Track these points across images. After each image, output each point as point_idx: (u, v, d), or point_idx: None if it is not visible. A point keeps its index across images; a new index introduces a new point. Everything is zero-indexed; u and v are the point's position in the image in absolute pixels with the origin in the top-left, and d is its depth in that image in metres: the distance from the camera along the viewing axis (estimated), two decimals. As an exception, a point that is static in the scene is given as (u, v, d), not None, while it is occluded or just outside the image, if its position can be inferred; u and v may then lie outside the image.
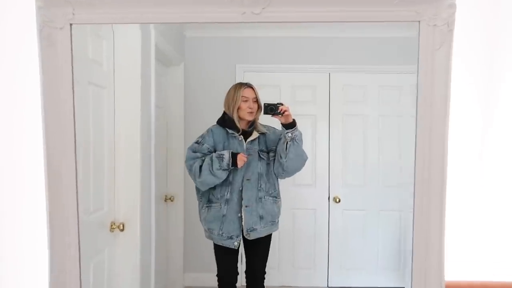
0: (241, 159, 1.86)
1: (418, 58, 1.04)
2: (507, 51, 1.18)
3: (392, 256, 2.68)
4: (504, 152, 1.25)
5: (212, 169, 1.86)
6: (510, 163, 1.23)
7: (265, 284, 2.08)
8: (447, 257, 1.14)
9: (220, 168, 1.85)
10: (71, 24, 1.05)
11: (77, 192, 1.09)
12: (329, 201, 2.75)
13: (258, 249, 2.02)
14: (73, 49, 1.07)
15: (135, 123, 1.99)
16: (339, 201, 2.73)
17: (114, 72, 1.91)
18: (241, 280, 2.10)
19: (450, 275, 1.13)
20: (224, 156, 1.85)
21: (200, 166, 1.89)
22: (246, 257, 2.06)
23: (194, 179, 1.93)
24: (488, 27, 1.15)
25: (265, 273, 2.07)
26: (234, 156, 1.86)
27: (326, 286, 2.71)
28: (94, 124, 1.74)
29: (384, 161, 2.75)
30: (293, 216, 2.75)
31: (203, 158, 1.91)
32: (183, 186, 2.70)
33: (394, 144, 2.74)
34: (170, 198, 2.62)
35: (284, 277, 2.77)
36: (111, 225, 1.86)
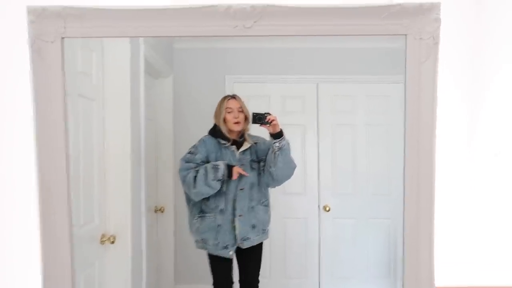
0: (236, 172, 1.89)
1: (405, 70, 1.07)
2: (490, 60, 1.22)
3: (383, 264, 2.69)
4: (491, 158, 1.28)
5: (207, 180, 1.88)
6: (498, 170, 1.26)
7: None
8: (438, 263, 1.16)
9: (215, 179, 1.87)
10: (62, 38, 1.05)
11: (69, 206, 1.09)
12: (319, 210, 2.76)
13: (251, 258, 2.06)
14: (64, 62, 1.07)
15: (125, 135, 1.99)
16: (329, 209, 2.75)
17: (103, 84, 1.91)
18: None
19: (440, 281, 1.15)
20: (219, 167, 1.88)
21: (195, 177, 1.90)
22: (239, 266, 2.07)
23: (189, 190, 1.94)
24: (472, 38, 1.19)
25: (258, 281, 2.09)
26: (229, 167, 1.89)
27: (318, 295, 2.71)
28: (84, 136, 1.73)
29: (373, 169, 2.78)
30: (284, 225, 2.75)
31: (197, 168, 1.92)
32: (173, 197, 2.68)
33: (383, 153, 2.77)
34: (160, 209, 2.60)
35: (275, 287, 2.76)
36: (102, 238, 1.84)
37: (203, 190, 1.90)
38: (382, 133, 2.77)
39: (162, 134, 2.74)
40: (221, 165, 1.88)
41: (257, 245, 2.03)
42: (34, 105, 1.06)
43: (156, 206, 2.59)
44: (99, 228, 1.84)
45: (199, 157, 1.95)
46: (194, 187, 1.90)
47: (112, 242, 1.86)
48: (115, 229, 1.91)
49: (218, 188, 1.89)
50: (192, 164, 1.94)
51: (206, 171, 1.89)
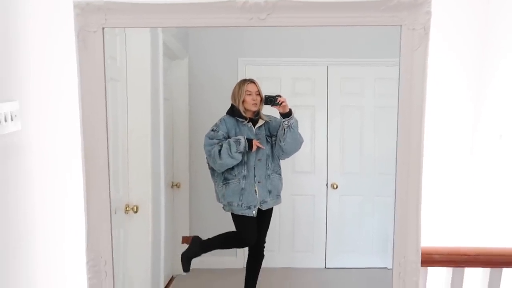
0: (255, 144, 2.26)
1: (399, 57, 1.25)
2: (497, 44, 1.38)
3: (386, 239, 2.87)
4: (496, 140, 1.45)
5: (231, 152, 2.23)
6: (497, 155, 1.43)
7: (265, 266, 2.44)
8: (424, 227, 1.36)
9: (237, 151, 2.22)
10: (103, 28, 1.25)
11: (109, 175, 1.31)
12: (327, 187, 2.94)
13: (264, 219, 2.41)
14: (105, 49, 1.28)
15: (146, 114, 2.20)
16: (337, 187, 2.92)
17: (126, 66, 2.11)
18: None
19: (427, 242, 1.35)
20: (240, 140, 2.23)
21: (219, 150, 2.25)
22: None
23: (214, 162, 2.27)
24: (478, 25, 1.37)
25: (265, 242, 2.46)
26: (249, 141, 2.24)
27: (324, 267, 2.92)
28: (111, 115, 1.94)
29: (380, 150, 2.93)
30: (293, 201, 2.94)
31: (220, 143, 2.25)
32: (188, 174, 2.91)
33: (390, 134, 2.86)
34: (176, 185, 2.82)
35: (284, 259, 2.97)
36: (126, 207, 2.08)
37: (228, 161, 2.25)
38: (389, 115, 2.85)
39: (178, 113, 2.93)
40: (242, 139, 2.24)
41: (271, 208, 2.39)
42: (80, 87, 1.27)
43: (172, 182, 2.81)
44: (123, 199, 2.08)
45: (221, 133, 2.28)
46: (220, 158, 2.25)
47: (135, 212, 2.09)
48: (138, 200, 2.14)
49: (240, 159, 2.25)
50: (215, 140, 2.27)
51: (229, 144, 2.24)
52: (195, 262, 3.01)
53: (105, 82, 1.28)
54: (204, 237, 2.79)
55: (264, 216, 2.40)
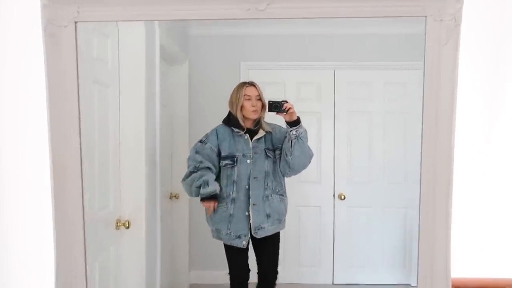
0: (209, 208, 1.94)
1: (424, 53, 1.03)
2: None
3: (397, 253, 2.67)
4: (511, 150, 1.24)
5: (193, 186, 1.95)
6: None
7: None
8: (454, 254, 1.13)
9: (197, 191, 1.93)
10: (75, 22, 1.05)
11: (82, 191, 1.09)
12: (334, 198, 2.74)
13: (267, 248, 2.02)
14: (78, 47, 1.07)
15: (140, 121, 1.99)
16: (344, 198, 2.72)
17: (119, 70, 1.92)
18: (253, 277, 2.09)
19: (456, 272, 1.12)
20: (208, 187, 1.90)
21: (190, 172, 1.96)
22: (256, 257, 2.05)
23: (182, 178, 2.01)
24: (493, 21, 1.14)
25: (277, 272, 2.08)
26: (212, 196, 1.91)
27: (332, 283, 2.71)
28: (99, 122, 1.74)
29: (390, 158, 2.74)
30: (298, 213, 2.74)
31: (198, 166, 1.95)
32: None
33: (400, 141, 2.72)
34: (175, 196, 2.62)
35: (289, 275, 2.75)
36: (117, 223, 1.86)
37: (186, 188, 2.00)
38: (399, 121, 2.72)
39: (178, 121, 2.74)
40: (211, 188, 1.90)
41: (273, 235, 2.00)
42: (48, 89, 1.06)
43: (171, 193, 2.61)
44: (114, 213, 1.87)
45: (208, 145, 1.96)
46: (184, 180, 1.99)
47: (127, 227, 1.88)
48: (130, 215, 1.93)
49: (198, 196, 1.95)
50: (199, 156, 1.96)
51: (199, 178, 1.92)
52: (196, 277, 2.81)
53: (78, 84, 1.07)
54: (205, 250, 2.59)
55: (266, 244, 2.01)
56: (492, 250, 1.18)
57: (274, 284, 2.06)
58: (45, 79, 1.05)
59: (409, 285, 2.55)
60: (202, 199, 1.94)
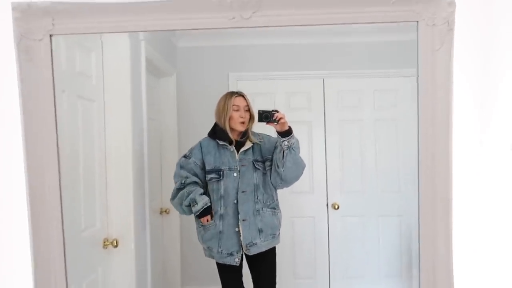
0: (205, 219, 1.84)
1: (417, 59, 0.98)
2: (504, 47, 1.12)
3: (394, 262, 2.61)
4: (506, 152, 1.18)
5: (182, 205, 1.85)
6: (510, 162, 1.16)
7: None
8: (456, 265, 1.07)
9: (189, 209, 1.85)
10: (51, 36, 0.98)
11: (61, 210, 1.01)
12: (327, 208, 2.68)
13: (263, 265, 1.90)
14: (59, 61, 1.00)
15: (126, 136, 1.92)
16: (338, 207, 2.67)
17: (103, 84, 1.85)
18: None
19: (459, 283, 1.06)
20: (197, 204, 1.81)
21: (177, 189, 1.87)
22: (252, 274, 1.94)
23: (171, 198, 1.92)
24: (481, 23, 1.09)
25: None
26: (206, 210, 1.82)
27: (328, 295, 2.64)
28: (84, 138, 1.67)
29: (382, 166, 2.70)
30: (292, 224, 2.67)
31: (184, 182, 1.87)
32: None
33: (392, 149, 2.68)
34: (165, 211, 2.54)
35: (284, 288, 2.68)
36: (104, 242, 1.78)
37: (177, 208, 1.90)
38: (390, 129, 2.69)
39: (167, 134, 2.67)
40: (200, 204, 1.80)
41: (268, 251, 1.88)
42: (22, 106, 0.98)
43: (161, 208, 2.52)
44: (101, 232, 1.78)
45: (192, 160, 1.87)
46: (172, 199, 1.89)
47: (115, 246, 1.79)
48: (118, 233, 1.84)
49: (190, 214, 1.87)
50: (184, 172, 1.87)
51: (186, 195, 1.84)
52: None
53: (54, 100, 1.00)
54: (198, 265, 2.50)
55: (261, 261, 1.89)
56: (496, 260, 1.12)
57: None
58: (19, 95, 0.97)
59: None
60: (197, 216, 1.85)
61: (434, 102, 0.96)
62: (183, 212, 1.88)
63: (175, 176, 1.91)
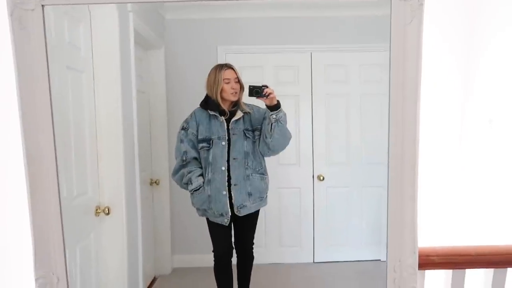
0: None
1: (390, 33, 1.06)
2: (486, 24, 1.20)
3: (375, 230, 2.74)
4: (486, 125, 1.28)
5: (182, 181, 2.05)
6: (492, 137, 1.26)
7: (253, 263, 2.14)
8: (421, 224, 1.18)
9: (186, 186, 2.04)
10: (42, 6, 1.03)
11: (57, 177, 1.09)
12: (313, 179, 2.79)
13: (247, 224, 2.11)
14: (49, 32, 1.06)
15: (116, 107, 1.98)
16: (323, 179, 2.77)
17: (92, 56, 1.89)
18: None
19: (424, 242, 1.17)
20: (192, 184, 2.00)
21: (180, 166, 2.03)
22: (234, 230, 2.12)
23: (172, 172, 2.10)
24: (466, 7, 1.17)
25: (253, 243, 2.17)
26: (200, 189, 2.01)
27: (312, 262, 2.78)
28: (74, 109, 1.73)
29: (367, 139, 2.79)
30: (278, 195, 2.78)
31: (185, 160, 2.02)
32: (168, 169, 2.71)
33: (376, 122, 2.77)
34: (155, 182, 2.63)
35: (271, 255, 2.81)
36: (96, 209, 1.87)
37: (177, 182, 2.08)
38: (375, 102, 2.77)
39: (156, 106, 2.72)
40: (195, 184, 1.99)
41: (254, 212, 2.07)
42: (17, 75, 1.05)
43: (151, 179, 2.61)
44: (93, 200, 1.87)
45: (190, 131, 2.01)
46: (173, 175, 2.07)
47: (107, 214, 1.88)
48: (110, 201, 1.93)
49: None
50: (183, 146, 2.01)
51: (184, 176, 2.02)
52: (179, 261, 2.84)
53: (48, 69, 1.06)
54: (187, 234, 2.62)
55: (245, 221, 2.08)
56: (457, 220, 1.23)
57: (251, 252, 2.17)
58: (14, 64, 1.04)
59: (379, 260, 2.64)
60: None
61: (405, 72, 1.05)
62: (182, 187, 2.07)
63: (176, 150, 2.06)
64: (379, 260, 2.67)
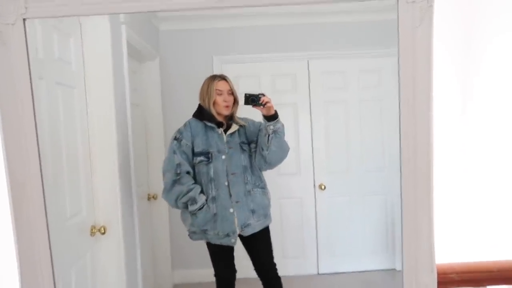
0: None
1: (398, 37, 0.98)
2: (485, 24, 1.13)
3: (379, 239, 2.66)
4: (486, 126, 1.20)
5: (178, 200, 1.82)
6: (494, 138, 1.18)
7: (255, 276, 2.01)
8: (438, 239, 1.09)
9: (185, 207, 1.82)
10: (24, 19, 0.94)
11: (44, 199, 1.00)
12: (314, 188, 2.71)
13: (258, 245, 1.92)
14: (35, 47, 0.97)
15: (109, 123, 1.89)
16: (325, 188, 2.69)
17: (84, 70, 1.81)
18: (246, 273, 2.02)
19: (441, 258, 1.09)
20: (196, 204, 1.80)
21: (173, 181, 1.81)
22: (249, 255, 1.95)
23: (164, 191, 1.87)
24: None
25: (275, 264, 1.98)
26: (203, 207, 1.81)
27: (317, 273, 2.68)
28: (66, 125, 1.64)
29: (367, 146, 2.72)
30: (280, 206, 2.69)
31: (179, 172, 1.81)
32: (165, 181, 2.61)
33: (377, 129, 2.70)
34: (153, 197, 2.53)
35: (274, 268, 2.72)
36: (92, 229, 1.77)
37: (171, 203, 1.85)
38: (374, 108, 2.70)
39: (152, 119, 2.64)
40: (199, 203, 1.79)
41: (261, 230, 1.89)
42: (-2, 94, 0.96)
43: (148, 194, 2.51)
44: (88, 219, 1.77)
45: (184, 142, 1.84)
46: (167, 192, 1.84)
47: (103, 233, 1.78)
48: (105, 220, 1.83)
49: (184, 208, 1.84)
50: (177, 158, 1.82)
51: (185, 193, 1.80)
52: (180, 277, 2.73)
53: (31, 87, 0.97)
54: (187, 249, 2.51)
55: (257, 240, 1.90)
56: (476, 234, 1.14)
57: (276, 274, 1.97)
58: (-6, 83, 0.95)
59: (394, 269, 2.55)
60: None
61: (415, 79, 0.96)
62: (175, 206, 1.85)
63: (168, 162, 1.85)
64: (385, 269, 2.59)
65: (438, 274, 1.03)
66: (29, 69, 0.96)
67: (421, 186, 1.05)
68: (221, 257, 1.92)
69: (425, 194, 1.03)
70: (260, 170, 1.91)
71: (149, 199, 2.51)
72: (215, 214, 1.82)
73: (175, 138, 1.86)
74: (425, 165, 1.00)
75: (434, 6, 0.94)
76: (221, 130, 1.85)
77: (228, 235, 1.83)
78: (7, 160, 0.98)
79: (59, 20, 1.51)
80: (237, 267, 2.00)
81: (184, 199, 1.80)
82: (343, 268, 2.64)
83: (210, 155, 1.82)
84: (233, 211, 1.82)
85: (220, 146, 1.83)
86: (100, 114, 1.84)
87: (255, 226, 1.86)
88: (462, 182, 1.11)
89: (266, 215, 1.91)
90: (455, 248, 1.13)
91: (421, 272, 1.03)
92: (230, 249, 1.89)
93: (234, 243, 1.85)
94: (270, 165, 1.87)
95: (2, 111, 0.96)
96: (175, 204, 1.84)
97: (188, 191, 1.80)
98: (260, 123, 1.83)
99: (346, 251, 2.66)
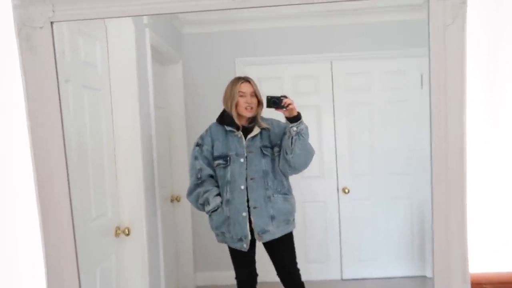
0: None
1: (428, 36, 0.94)
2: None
3: (405, 244, 2.58)
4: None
5: (197, 202, 1.88)
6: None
7: (277, 280, 1.97)
8: (471, 248, 1.04)
9: (202, 207, 1.87)
10: (51, 23, 0.95)
11: (70, 200, 1.01)
12: (338, 192, 2.66)
13: (281, 250, 1.88)
14: (62, 51, 0.98)
15: (134, 125, 1.90)
16: (348, 191, 2.64)
17: (109, 73, 1.83)
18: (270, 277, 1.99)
19: (475, 267, 1.04)
20: (209, 205, 1.82)
21: (196, 185, 1.87)
22: (272, 259, 1.92)
23: (188, 193, 1.94)
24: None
25: (298, 270, 1.95)
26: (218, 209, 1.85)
27: (340, 279, 2.63)
28: (91, 128, 1.66)
29: (391, 148, 2.65)
30: (303, 209, 2.65)
31: (200, 178, 1.87)
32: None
33: (401, 130, 2.64)
34: (176, 198, 2.54)
35: (296, 272, 2.68)
36: (116, 230, 1.78)
37: (192, 203, 1.93)
38: (398, 110, 2.63)
39: (175, 121, 2.66)
40: (212, 204, 1.82)
41: (284, 236, 1.85)
42: (26, 96, 0.97)
43: (172, 196, 2.53)
44: (112, 221, 1.78)
45: (205, 148, 1.86)
46: (189, 195, 1.92)
47: (127, 234, 1.80)
48: (130, 221, 1.84)
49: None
50: (198, 163, 1.87)
51: (203, 194, 1.85)
52: (202, 279, 2.73)
53: (58, 90, 0.98)
54: (210, 251, 2.51)
55: (279, 245, 1.85)
56: (508, 237, 1.09)
57: (299, 279, 1.94)
58: (23, 85, 0.96)
59: (425, 276, 2.47)
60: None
61: (447, 81, 0.92)
62: (197, 208, 1.90)
63: (191, 167, 1.91)
64: (414, 276, 2.52)
65: (472, 284, 0.98)
66: (56, 72, 0.97)
67: (454, 190, 1.00)
68: (239, 261, 1.91)
69: (458, 199, 0.98)
70: (285, 175, 1.86)
71: (172, 201, 2.52)
72: (228, 217, 1.82)
73: (197, 145, 1.89)
74: (458, 167, 0.96)
75: (467, 3, 0.89)
76: (240, 133, 1.82)
77: (240, 239, 1.81)
78: (34, 163, 0.99)
79: (85, 23, 1.53)
80: (260, 271, 1.98)
81: (200, 200, 1.85)
82: (368, 274, 2.58)
83: (228, 158, 1.82)
84: (246, 215, 1.79)
85: (238, 150, 1.81)
86: (125, 116, 1.86)
87: (274, 233, 1.82)
88: (499, 186, 1.06)
89: (288, 221, 1.86)
90: (490, 257, 1.07)
91: (453, 282, 0.99)
92: (247, 254, 1.86)
93: (246, 248, 1.82)
94: (295, 169, 1.82)
95: (29, 114, 0.97)
96: (196, 205, 1.90)
97: (205, 193, 1.83)
98: (286, 125, 1.79)
99: (371, 256, 2.60)
